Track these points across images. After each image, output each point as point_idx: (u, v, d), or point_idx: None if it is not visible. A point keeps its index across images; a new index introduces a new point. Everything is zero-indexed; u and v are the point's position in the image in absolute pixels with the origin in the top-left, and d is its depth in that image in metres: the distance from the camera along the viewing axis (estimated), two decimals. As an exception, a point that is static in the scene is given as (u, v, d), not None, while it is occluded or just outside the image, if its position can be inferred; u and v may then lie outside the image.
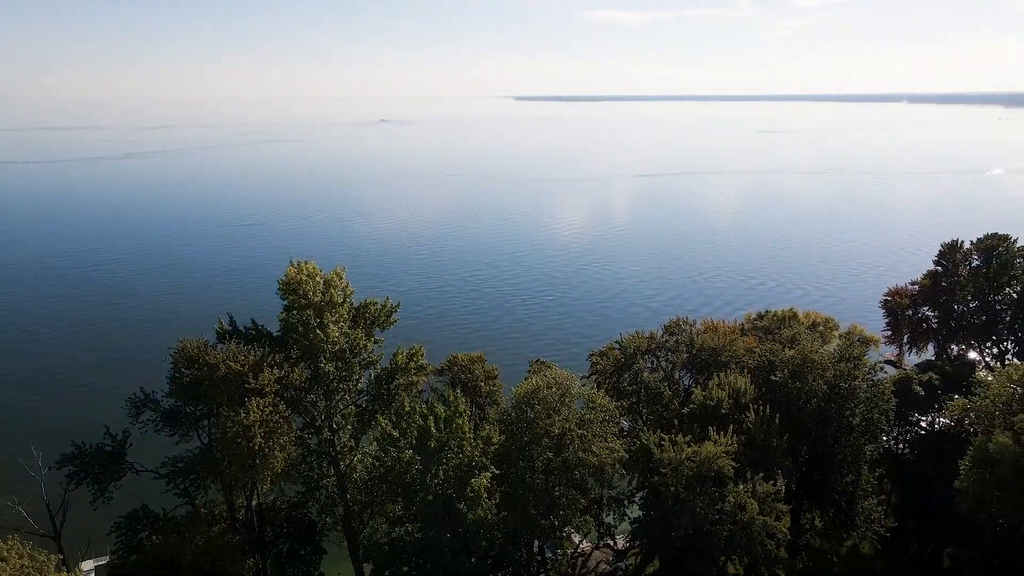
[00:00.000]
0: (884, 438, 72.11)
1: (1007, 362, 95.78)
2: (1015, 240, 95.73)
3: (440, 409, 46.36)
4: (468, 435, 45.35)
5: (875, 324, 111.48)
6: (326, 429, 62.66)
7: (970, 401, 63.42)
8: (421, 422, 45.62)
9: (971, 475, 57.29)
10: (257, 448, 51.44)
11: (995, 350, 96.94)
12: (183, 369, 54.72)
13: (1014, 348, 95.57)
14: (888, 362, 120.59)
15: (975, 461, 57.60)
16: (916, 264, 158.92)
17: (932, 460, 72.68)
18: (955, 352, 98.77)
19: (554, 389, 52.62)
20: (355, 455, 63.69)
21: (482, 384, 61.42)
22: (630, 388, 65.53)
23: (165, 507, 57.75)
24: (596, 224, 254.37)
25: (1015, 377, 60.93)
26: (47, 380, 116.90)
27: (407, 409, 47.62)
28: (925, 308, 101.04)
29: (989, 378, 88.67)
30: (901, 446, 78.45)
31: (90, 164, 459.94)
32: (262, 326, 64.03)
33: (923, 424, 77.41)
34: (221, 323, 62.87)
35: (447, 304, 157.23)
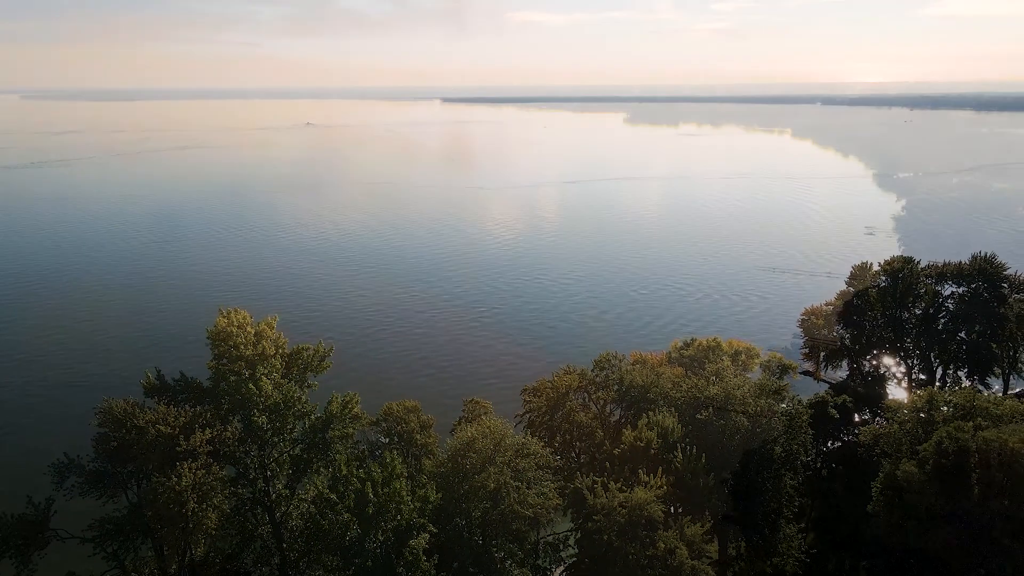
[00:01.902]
0: (804, 459, 76.07)
1: (912, 376, 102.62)
2: (918, 262, 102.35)
3: (377, 472, 46.80)
4: (406, 498, 45.97)
5: (795, 337, 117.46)
6: (260, 480, 62.21)
7: (881, 427, 67.99)
8: (359, 486, 45.97)
9: (881, 500, 61.36)
10: (190, 513, 50.86)
11: (903, 366, 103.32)
12: (110, 433, 53.47)
13: (919, 364, 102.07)
14: (806, 372, 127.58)
15: (885, 487, 61.70)
16: (839, 264, 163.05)
17: (847, 477, 77.33)
18: (867, 368, 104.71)
19: (488, 440, 53.74)
20: (291, 503, 63.38)
21: (417, 436, 62.07)
22: (564, 427, 67.33)
23: (92, 573, 56.12)
24: (532, 235, 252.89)
25: (919, 405, 65.58)
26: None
27: (344, 472, 47.84)
28: (839, 327, 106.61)
29: (899, 391, 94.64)
30: (819, 464, 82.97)
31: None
32: (192, 378, 63.03)
33: (839, 444, 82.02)
34: (149, 377, 61.60)
35: (381, 327, 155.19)
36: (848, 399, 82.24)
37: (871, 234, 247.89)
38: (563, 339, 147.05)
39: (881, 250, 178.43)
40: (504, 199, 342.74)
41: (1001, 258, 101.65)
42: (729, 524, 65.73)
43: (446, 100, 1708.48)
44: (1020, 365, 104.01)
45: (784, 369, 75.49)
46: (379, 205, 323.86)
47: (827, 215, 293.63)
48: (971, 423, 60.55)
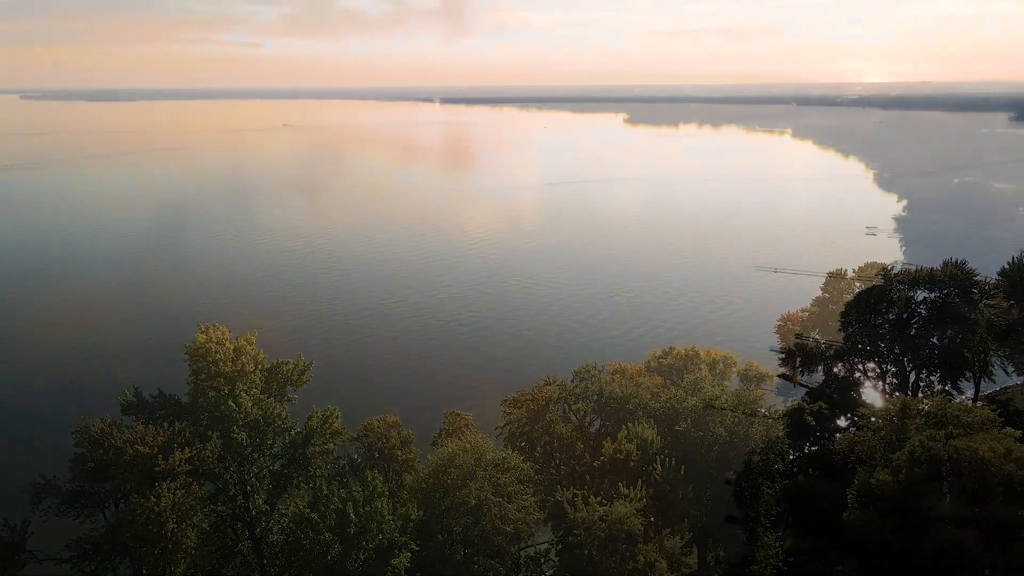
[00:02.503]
0: (780, 467, 77.04)
1: (887, 380, 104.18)
2: (891, 268, 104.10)
3: (358, 492, 46.85)
4: (387, 517, 46.07)
5: (771, 338, 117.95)
6: (240, 496, 61.99)
7: (856, 435, 69.12)
8: (340, 505, 46.00)
9: (855, 507, 62.44)
10: (169, 533, 50.64)
11: (877, 370, 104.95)
12: (87, 453, 53.06)
13: (893, 369, 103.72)
14: (784, 376, 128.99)
15: (859, 494, 62.80)
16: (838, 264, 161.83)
17: (823, 483, 78.58)
18: (842, 373, 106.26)
19: (469, 455, 54.00)
20: (271, 519, 63.15)
21: (398, 452, 62.14)
22: (544, 438, 67.69)
23: (70, 595, 55.56)
24: (519, 239, 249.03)
25: (893, 413, 66.74)
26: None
27: (324, 491, 47.84)
28: (815, 332, 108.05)
29: (874, 394, 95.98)
30: (795, 470, 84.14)
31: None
32: (170, 394, 62.70)
33: (815, 448, 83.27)
34: (127, 395, 61.20)
35: (360, 337, 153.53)
36: (824, 406, 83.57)
37: (872, 234, 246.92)
38: (547, 346, 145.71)
39: (882, 251, 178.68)
40: (491, 202, 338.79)
41: (1001, 260, 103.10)
42: (708, 534, 66.38)
43: (445, 101, 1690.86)
44: (990, 368, 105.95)
45: (761, 377, 76.36)
46: (357, 212, 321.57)
47: (828, 215, 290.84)
48: (943, 431, 61.66)
